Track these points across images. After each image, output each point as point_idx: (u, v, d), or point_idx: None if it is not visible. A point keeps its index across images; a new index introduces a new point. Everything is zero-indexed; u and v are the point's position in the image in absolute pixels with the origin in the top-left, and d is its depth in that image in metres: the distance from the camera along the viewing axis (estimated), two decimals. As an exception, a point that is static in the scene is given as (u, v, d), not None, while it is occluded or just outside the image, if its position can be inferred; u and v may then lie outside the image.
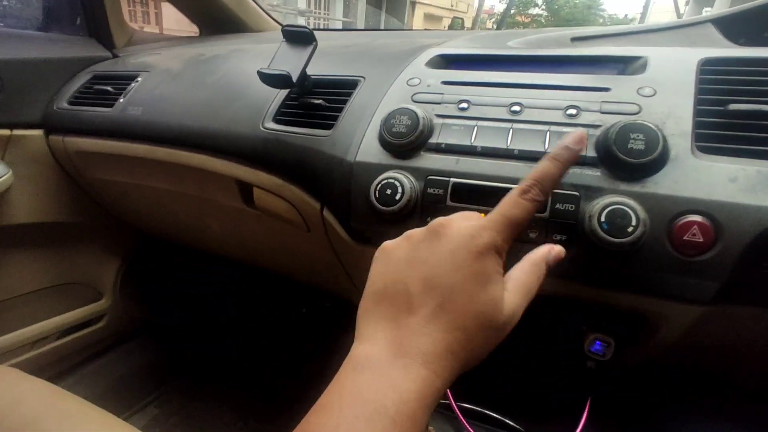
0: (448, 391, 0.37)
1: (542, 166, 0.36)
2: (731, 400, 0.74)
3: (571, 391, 0.60)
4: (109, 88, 0.88)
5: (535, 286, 0.34)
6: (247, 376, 1.30)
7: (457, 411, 0.57)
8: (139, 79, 0.87)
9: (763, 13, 0.62)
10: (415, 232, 0.35)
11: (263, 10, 1.23)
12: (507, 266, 0.35)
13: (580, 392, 0.59)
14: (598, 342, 0.49)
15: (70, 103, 0.91)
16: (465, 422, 0.56)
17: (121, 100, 0.84)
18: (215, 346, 1.38)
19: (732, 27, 0.64)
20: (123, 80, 0.89)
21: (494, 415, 0.57)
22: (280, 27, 1.26)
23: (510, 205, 0.34)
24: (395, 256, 0.34)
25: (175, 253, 1.25)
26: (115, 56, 1.04)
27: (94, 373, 1.17)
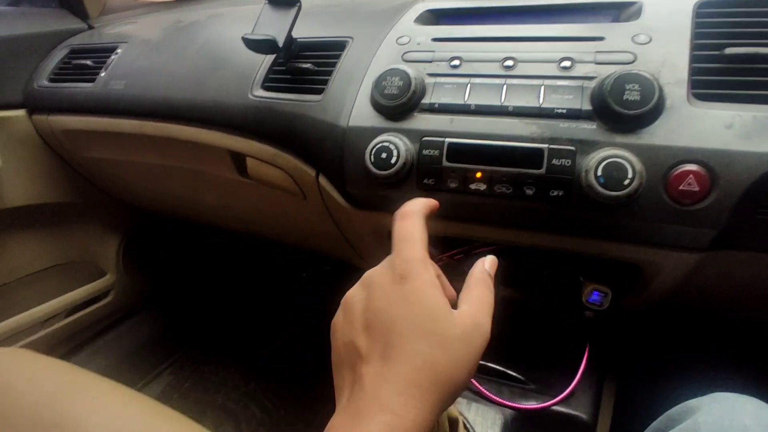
0: None
1: None
2: (722, 342, 0.77)
3: (571, 339, 0.62)
4: (88, 62, 0.85)
5: (488, 295, 0.33)
6: (252, 340, 1.34)
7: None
8: (118, 51, 0.84)
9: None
10: (350, 293, 0.33)
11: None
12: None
13: (579, 341, 0.61)
14: (596, 293, 0.51)
15: (51, 80, 0.88)
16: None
17: (102, 74, 0.81)
18: (219, 314, 1.41)
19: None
20: (102, 53, 0.85)
21: (497, 367, 0.59)
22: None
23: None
24: (339, 320, 0.33)
25: (175, 226, 1.26)
26: (90, 27, 1.00)
27: (106, 347, 1.20)
